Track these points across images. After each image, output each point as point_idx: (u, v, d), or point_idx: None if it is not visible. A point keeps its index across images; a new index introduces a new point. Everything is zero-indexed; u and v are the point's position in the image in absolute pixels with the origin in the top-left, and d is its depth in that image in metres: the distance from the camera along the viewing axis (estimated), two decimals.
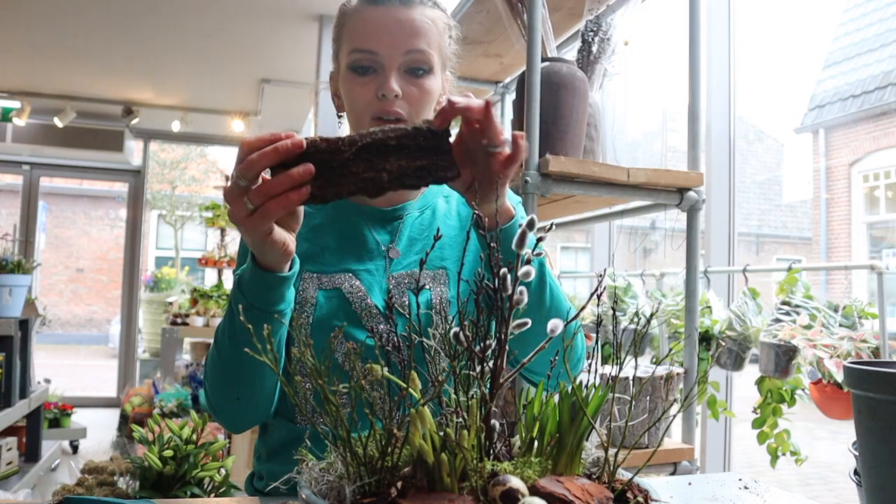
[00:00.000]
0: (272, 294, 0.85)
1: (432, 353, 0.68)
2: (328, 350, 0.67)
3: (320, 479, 0.58)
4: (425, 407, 0.54)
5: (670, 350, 2.34)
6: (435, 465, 0.52)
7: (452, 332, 0.61)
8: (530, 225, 0.61)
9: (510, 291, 0.60)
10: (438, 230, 0.74)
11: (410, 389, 0.60)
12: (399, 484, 0.55)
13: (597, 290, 0.65)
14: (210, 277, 8.96)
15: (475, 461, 0.55)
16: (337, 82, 1.10)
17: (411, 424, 0.53)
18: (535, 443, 0.62)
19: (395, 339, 0.64)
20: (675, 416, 0.68)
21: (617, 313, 0.65)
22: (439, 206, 1.13)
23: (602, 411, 0.62)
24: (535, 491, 0.54)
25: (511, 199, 1.14)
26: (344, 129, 1.11)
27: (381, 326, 1.01)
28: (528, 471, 0.58)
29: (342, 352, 0.97)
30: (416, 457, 0.53)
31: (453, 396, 0.61)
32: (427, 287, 1.04)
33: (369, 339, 0.98)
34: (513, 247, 0.61)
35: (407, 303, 1.02)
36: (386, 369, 0.62)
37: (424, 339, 0.69)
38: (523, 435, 0.63)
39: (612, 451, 0.62)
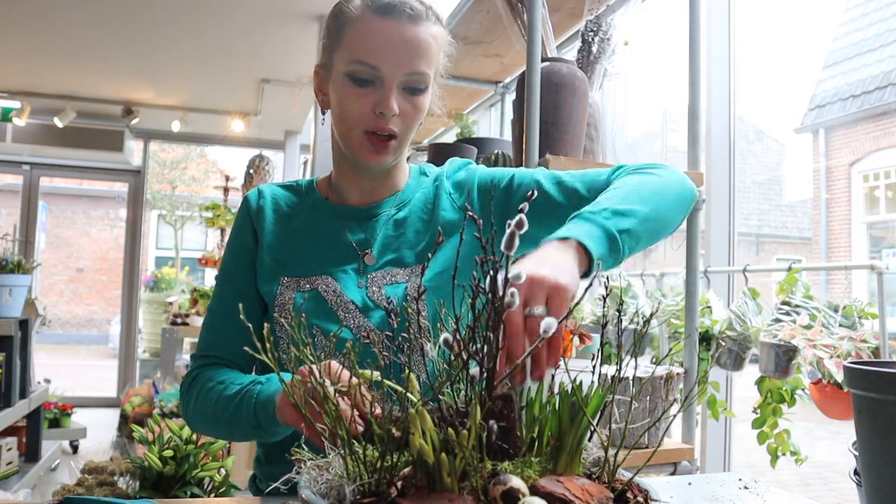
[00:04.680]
0: (284, 430, 0.93)
1: (414, 344, 0.68)
2: (322, 347, 0.67)
3: (319, 479, 0.58)
4: (424, 407, 0.54)
5: (670, 350, 2.34)
6: (435, 465, 0.52)
7: (443, 337, 0.60)
8: (518, 225, 0.61)
9: (500, 293, 0.59)
10: (440, 234, 0.73)
11: (409, 394, 0.60)
12: (399, 484, 0.55)
13: (607, 293, 0.64)
14: (210, 277, 8.96)
15: (476, 461, 0.55)
16: (323, 78, 1.08)
17: (411, 424, 0.53)
18: (535, 443, 0.62)
19: (375, 333, 0.64)
20: (675, 416, 0.68)
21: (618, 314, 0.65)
22: (416, 202, 1.13)
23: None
24: (534, 491, 0.54)
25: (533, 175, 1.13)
26: (328, 126, 1.11)
27: (360, 321, 1.03)
28: (528, 470, 0.58)
29: (321, 347, 0.99)
30: (417, 457, 0.53)
31: (452, 396, 0.61)
32: (404, 280, 1.06)
33: (343, 330, 1.01)
34: (502, 248, 0.61)
35: (384, 297, 1.04)
36: (378, 374, 0.62)
37: (411, 335, 0.69)
38: (523, 435, 0.63)
39: (611, 452, 0.62)
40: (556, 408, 0.61)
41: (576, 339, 1.94)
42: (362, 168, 1.08)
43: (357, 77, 1.00)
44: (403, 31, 0.99)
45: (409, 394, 0.61)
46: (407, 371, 0.61)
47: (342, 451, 0.58)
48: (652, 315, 0.66)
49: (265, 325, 0.64)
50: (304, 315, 1.00)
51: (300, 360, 0.65)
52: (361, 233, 1.10)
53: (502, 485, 0.52)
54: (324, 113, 1.11)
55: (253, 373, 1.12)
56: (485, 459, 0.57)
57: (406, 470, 0.56)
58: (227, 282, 1.12)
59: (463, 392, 0.61)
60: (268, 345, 0.61)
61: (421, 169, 1.18)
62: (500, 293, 0.59)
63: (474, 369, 0.60)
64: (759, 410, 2.06)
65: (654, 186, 0.98)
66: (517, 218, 0.61)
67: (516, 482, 0.52)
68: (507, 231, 0.61)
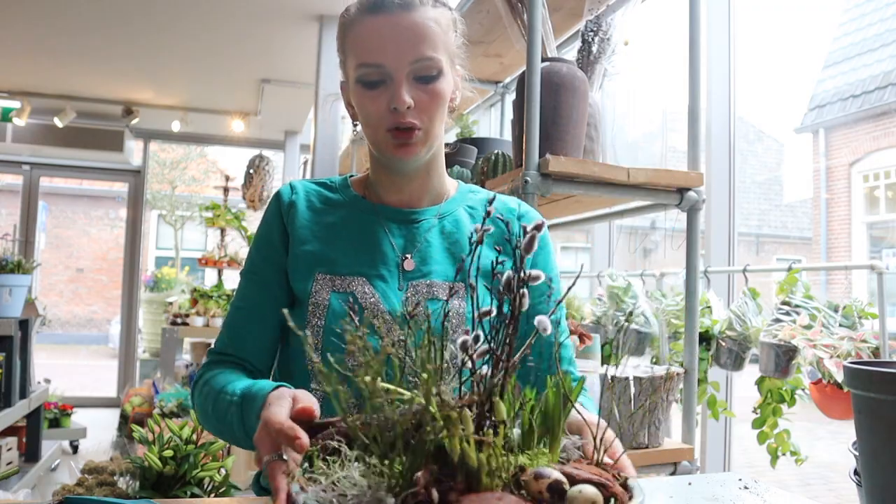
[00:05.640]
0: None
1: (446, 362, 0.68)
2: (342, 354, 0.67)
3: (346, 499, 0.54)
4: (466, 410, 0.54)
5: (670, 350, 2.34)
6: (477, 466, 0.52)
7: (460, 340, 0.60)
8: (538, 227, 0.61)
9: (516, 293, 0.60)
10: (456, 233, 0.72)
11: (421, 399, 0.59)
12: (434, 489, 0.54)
13: (592, 287, 0.65)
14: (210, 277, 8.96)
15: (503, 457, 0.55)
16: (348, 93, 1.08)
17: (452, 427, 0.53)
18: (534, 434, 0.62)
19: (408, 346, 0.63)
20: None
21: (617, 313, 0.65)
22: (462, 217, 1.11)
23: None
24: (571, 481, 0.54)
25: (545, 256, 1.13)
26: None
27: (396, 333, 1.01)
28: (542, 460, 0.58)
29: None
30: (459, 459, 0.52)
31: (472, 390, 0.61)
32: (445, 298, 1.02)
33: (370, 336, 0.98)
34: (521, 252, 0.61)
35: (423, 312, 1.01)
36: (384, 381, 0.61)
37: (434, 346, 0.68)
38: (526, 426, 0.63)
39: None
40: (547, 399, 0.62)
41: (575, 339, 1.93)
42: (398, 167, 1.06)
43: (366, 80, 1.00)
44: (397, 22, 0.98)
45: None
46: (426, 376, 0.59)
47: (369, 462, 0.56)
48: (629, 315, 0.65)
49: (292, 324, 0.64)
50: (337, 320, 1.00)
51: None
52: (401, 237, 1.07)
53: (546, 478, 0.52)
54: (355, 126, 1.10)
55: (270, 375, 1.10)
56: (516, 454, 0.57)
57: (417, 475, 0.55)
58: (252, 278, 1.09)
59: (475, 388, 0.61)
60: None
61: (471, 188, 1.17)
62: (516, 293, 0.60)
63: (482, 367, 0.60)
64: (759, 410, 2.06)
65: None
66: (536, 222, 0.62)
67: (557, 474, 0.52)
68: (527, 236, 0.61)
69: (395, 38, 0.98)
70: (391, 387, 0.58)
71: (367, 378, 0.58)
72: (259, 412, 0.81)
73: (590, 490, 0.52)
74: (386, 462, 0.54)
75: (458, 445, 0.52)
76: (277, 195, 1.11)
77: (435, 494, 0.51)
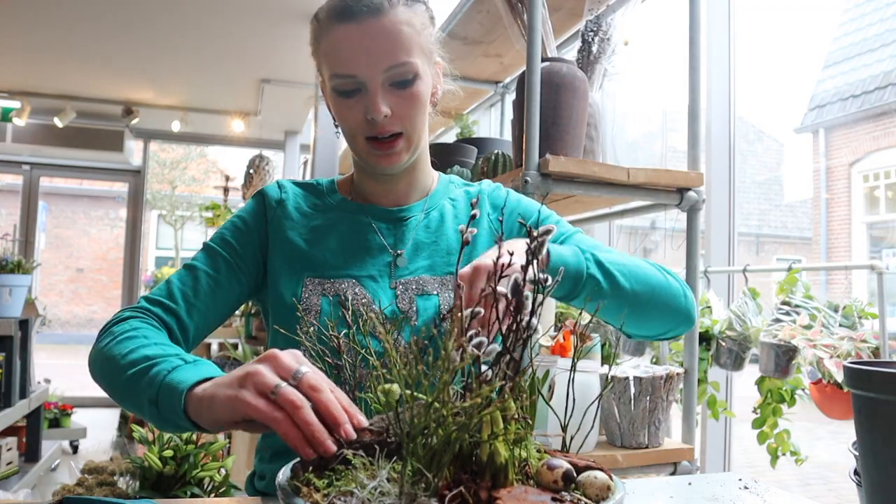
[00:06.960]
0: (184, 424, 0.77)
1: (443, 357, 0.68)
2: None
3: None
4: (497, 411, 0.55)
5: (670, 350, 2.33)
6: (504, 463, 0.54)
7: (477, 340, 0.60)
8: (547, 232, 0.61)
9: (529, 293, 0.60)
10: (457, 227, 0.72)
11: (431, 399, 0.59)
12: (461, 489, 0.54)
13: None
14: None
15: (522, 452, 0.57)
16: (327, 95, 1.07)
17: (484, 427, 0.55)
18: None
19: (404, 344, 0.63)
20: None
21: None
22: (446, 209, 1.11)
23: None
24: (575, 469, 0.57)
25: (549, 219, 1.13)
26: (342, 141, 1.10)
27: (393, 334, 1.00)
28: (532, 451, 0.59)
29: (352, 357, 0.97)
30: (488, 458, 0.54)
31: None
32: (435, 293, 1.02)
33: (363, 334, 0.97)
34: (530, 253, 0.61)
35: (415, 309, 1.01)
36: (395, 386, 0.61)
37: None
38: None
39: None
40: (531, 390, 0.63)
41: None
42: (380, 174, 1.06)
43: (341, 90, 0.99)
44: (367, 30, 0.96)
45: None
46: (442, 376, 0.59)
47: (396, 468, 0.56)
48: (592, 318, 0.65)
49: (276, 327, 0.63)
50: (332, 322, 0.99)
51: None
52: (391, 236, 1.06)
53: (559, 468, 0.55)
54: (337, 127, 1.09)
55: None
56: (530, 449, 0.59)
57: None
58: (218, 251, 1.03)
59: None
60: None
61: (450, 179, 1.17)
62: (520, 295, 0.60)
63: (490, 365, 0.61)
64: (759, 410, 2.06)
65: (652, 281, 0.99)
66: (545, 227, 0.62)
67: (566, 464, 0.56)
68: (540, 241, 0.61)
69: (367, 47, 0.96)
70: (419, 395, 0.58)
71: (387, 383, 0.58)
72: (191, 380, 0.74)
73: (602, 476, 0.55)
74: (423, 466, 0.54)
75: (488, 444, 0.53)
76: (262, 193, 1.09)
77: (483, 494, 0.52)
